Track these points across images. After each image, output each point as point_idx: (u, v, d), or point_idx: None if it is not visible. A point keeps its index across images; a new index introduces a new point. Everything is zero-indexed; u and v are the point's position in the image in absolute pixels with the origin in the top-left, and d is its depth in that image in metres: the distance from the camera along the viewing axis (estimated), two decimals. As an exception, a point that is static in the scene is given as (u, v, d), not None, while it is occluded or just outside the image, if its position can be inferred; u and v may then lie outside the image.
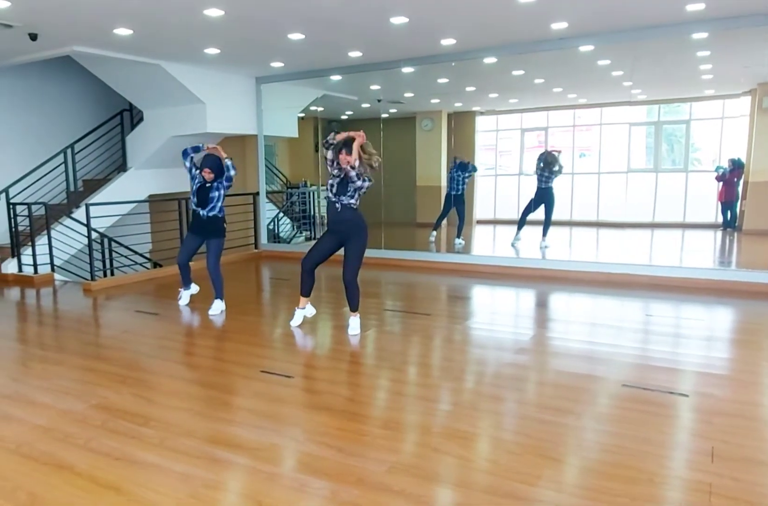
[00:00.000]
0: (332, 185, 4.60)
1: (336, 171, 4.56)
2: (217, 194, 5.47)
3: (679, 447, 2.85)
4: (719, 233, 8.72)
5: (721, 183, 8.25)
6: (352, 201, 4.59)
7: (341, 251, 4.78)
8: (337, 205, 4.60)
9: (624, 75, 7.38)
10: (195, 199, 5.49)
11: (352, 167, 4.46)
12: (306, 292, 4.99)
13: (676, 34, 6.10)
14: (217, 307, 5.57)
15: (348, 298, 4.79)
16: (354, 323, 4.83)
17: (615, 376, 3.74)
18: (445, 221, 9.26)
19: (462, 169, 8.83)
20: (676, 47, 6.55)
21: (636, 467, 2.58)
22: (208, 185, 5.45)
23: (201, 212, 5.50)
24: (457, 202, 8.85)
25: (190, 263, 5.84)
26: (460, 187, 8.82)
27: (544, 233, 8.22)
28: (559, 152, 8.30)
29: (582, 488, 2.43)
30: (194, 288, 6.00)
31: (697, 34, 6.10)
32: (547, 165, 8.17)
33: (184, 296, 5.93)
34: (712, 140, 8.84)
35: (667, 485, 2.46)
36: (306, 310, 5.09)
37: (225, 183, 5.47)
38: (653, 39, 6.22)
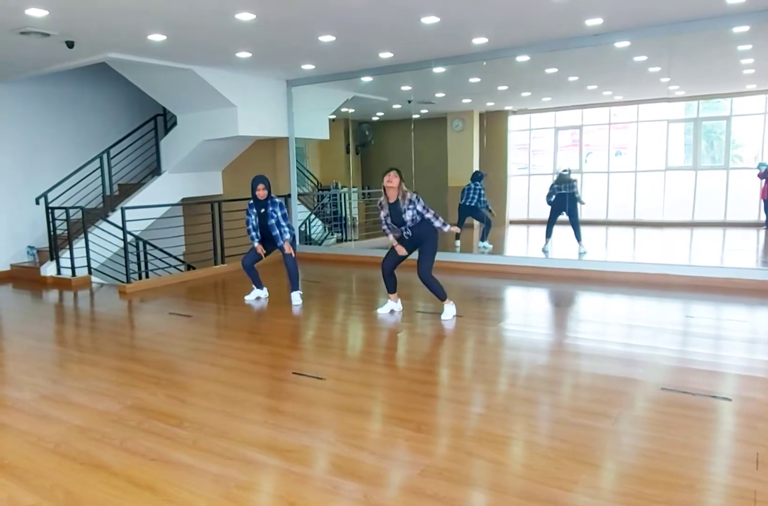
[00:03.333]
0: (387, 219, 5.20)
1: (385, 211, 5.18)
2: (273, 221, 5.93)
3: (722, 452, 2.76)
4: (762, 232, 8.48)
5: (763, 180, 8.02)
6: (416, 221, 5.11)
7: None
8: (407, 233, 5.19)
9: (661, 71, 7.23)
10: (258, 233, 6.07)
11: (410, 201, 5.05)
12: (392, 290, 5.50)
13: (715, 27, 5.93)
14: (297, 298, 6.06)
15: (432, 292, 5.26)
16: (447, 309, 5.25)
17: (653, 379, 3.64)
18: (476, 223, 9.18)
19: (477, 179, 8.76)
20: (716, 41, 6.38)
21: (676, 473, 2.50)
22: (263, 211, 5.93)
23: (279, 246, 6.07)
24: (472, 212, 8.80)
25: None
26: (474, 197, 8.74)
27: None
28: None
29: (620, 494, 2.36)
30: (264, 292, 6.37)
31: (738, 27, 5.93)
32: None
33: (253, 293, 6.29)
34: (754, 136, 8.61)
35: (710, 492, 2.38)
36: (397, 304, 5.55)
37: (279, 212, 5.98)
38: (692, 33, 6.06)
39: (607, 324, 5.14)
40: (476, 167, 9.66)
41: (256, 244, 6.09)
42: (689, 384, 3.51)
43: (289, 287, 6.17)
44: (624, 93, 9.21)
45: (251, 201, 6.03)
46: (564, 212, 8.09)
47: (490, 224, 8.75)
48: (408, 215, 5.07)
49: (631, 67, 7.57)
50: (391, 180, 5.07)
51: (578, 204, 8.12)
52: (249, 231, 6.13)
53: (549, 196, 8.27)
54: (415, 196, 5.09)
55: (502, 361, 4.17)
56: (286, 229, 6.02)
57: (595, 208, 8.26)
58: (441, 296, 5.24)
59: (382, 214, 5.25)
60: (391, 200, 5.12)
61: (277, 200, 6.01)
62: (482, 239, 8.79)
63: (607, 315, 5.56)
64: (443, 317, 5.19)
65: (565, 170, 8.34)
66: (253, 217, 6.04)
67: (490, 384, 3.69)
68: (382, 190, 5.18)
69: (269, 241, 6.10)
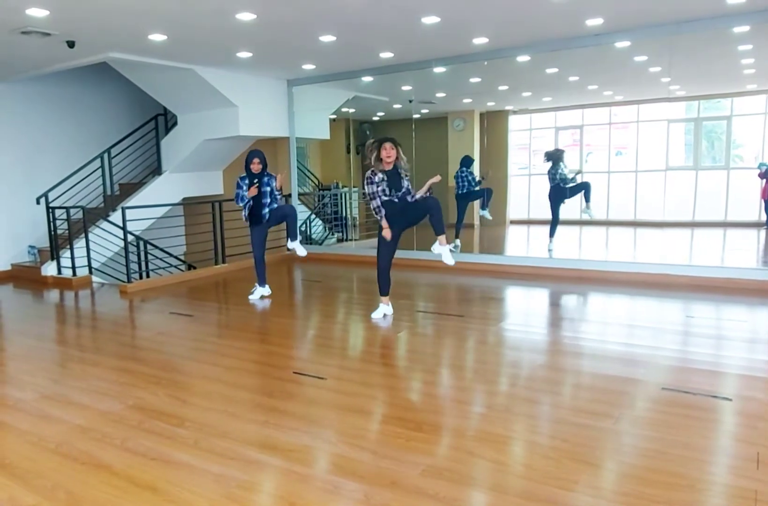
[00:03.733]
0: (383, 190, 4.97)
1: (380, 176, 4.95)
2: (267, 188, 5.88)
3: (722, 452, 2.76)
4: (762, 232, 8.48)
5: (764, 180, 8.01)
6: (405, 193, 5.02)
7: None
8: (395, 200, 4.99)
9: (662, 71, 7.22)
10: (251, 202, 5.92)
11: (406, 171, 5.01)
12: (386, 291, 5.30)
13: (716, 27, 5.93)
14: (301, 247, 6.19)
15: (433, 223, 4.98)
16: (445, 251, 5.06)
17: (654, 379, 3.64)
18: (477, 222, 9.18)
19: (465, 165, 8.74)
20: (717, 41, 6.38)
21: (677, 473, 2.50)
22: (256, 181, 5.84)
23: (264, 213, 5.95)
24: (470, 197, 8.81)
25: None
26: (463, 185, 8.73)
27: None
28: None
29: (620, 494, 2.36)
30: (267, 289, 6.28)
31: (738, 27, 5.93)
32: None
33: (257, 293, 6.23)
34: (755, 136, 8.61)
35: (710, 492, 2.38)
36: (389, 307, 5.36)
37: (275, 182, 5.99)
38: (692, 33, 6.06)
39: (607, 324, 5.15)
40: (477, 167, 9.64)
41: (247, 192, 5.87)
42: (690, 383, 3.52)
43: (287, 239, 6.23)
44: (624, 93, 9.20)
45: (242, 175, 5.94)
46: (566, 200, 8.05)
47: (490, 193, 8.76)
48: (405, 183, 5.02)
49: (632, 67, 7.57)
50: (390, 154, 4.91)
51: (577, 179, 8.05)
52: (238, 200, 5.94)
53: (551, 181, 8.18)
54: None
55: (502, 361, 4.17)
56: (279, 197, 5.99)
57: (596, 207, 8.24)
58: (441, 229, 5.03)
59: (378, 184, 4.95)
60: (388, 168, 4.96)
61: (273, 174, 6.00)
62: (483, 208, 8.77)
63: (607, 315, 5.56)
64: (446, 261, 5.12)
65: (558, 149, 8.28)
66: (245, 188, 5.89)
67: (490, 384, 3.69)
68: (377, 162, 4.96)
69: (258, 216, 5.98)
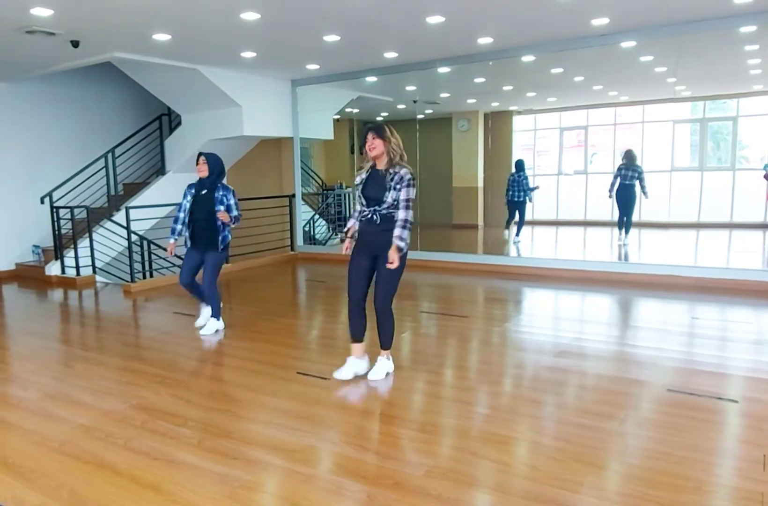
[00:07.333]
0: (359, 196, 3.64)
1: (361, 176, 3.65)
2: (222, 207, 4.75)
3: (728, 454, 2.74)
4: (768, 233, 8.45)
5: (770, 181, 7.99)
6: (393, 207, 3.50)
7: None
8: (374, 216, 3.56)
9: (667, 71, 7.20)
10: (184, 227, 4.81)
11: (402, 178, 3.45)
12: (358, 335, 3.76)
13: (722, 27, 5.91)
14: (212, 326, 4.97)
15: (378, 330, 3.73)
16: (380, 364, 3.75)
17: (659, 380, 3.63)
18: (482, 223, 9.17)
19: (521, 169, 8.64)
20: (723, 42, 6.36)
21: (682, 475, 2.49)
22: (204, 192, 4.76)
23: (217, 238, 4.79)
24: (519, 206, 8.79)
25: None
26: (518, 189, 8.63)
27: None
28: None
29: (625, 495, 2.35)
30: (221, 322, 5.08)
31: (745, 27, 5.91)
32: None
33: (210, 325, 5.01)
34: (761, 136, 8.58)
35: (716, 494, 2.37)
36: (359, 362, 3.76)
37: (232, 199, 4.83)
38: (698, 33, 6.04)
39: (612, 325, 5.13)
40: (481, 168, 9.61)
41: (171, 240, 4.80)
42: (695, 385, 3.50)
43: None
44: (630, 93, 9.18)
45: (192, 182, 4.92)
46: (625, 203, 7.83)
47: (523, 221, 8.83)
48: (389, 197, 3.46)
49: (638, 68, 7.54)
50: (372, 147, 3.50)
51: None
52: (173, 222, 4.84)
53: (612, 185, 7.89)
54: (410, 177, 3.47)
55: (507, 362, 4.15)
56: (234, 217, 4.79)
57: (600, 209, 8.23)
58: (388, 342, 3.74)
59: (357, 186, 3.64)
60: (378, 167, 3.56)
61: (230, 187, 4.86)
62: (516, 234, 8.79)
63: (613, 316, 5.54)
64: (371, 376, 3.71)
65: (629, 150, 8.01)
66: (188, 198, 4.79)
67: (495, 385, 3.68)
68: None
69: (201, 238, 4.78)
